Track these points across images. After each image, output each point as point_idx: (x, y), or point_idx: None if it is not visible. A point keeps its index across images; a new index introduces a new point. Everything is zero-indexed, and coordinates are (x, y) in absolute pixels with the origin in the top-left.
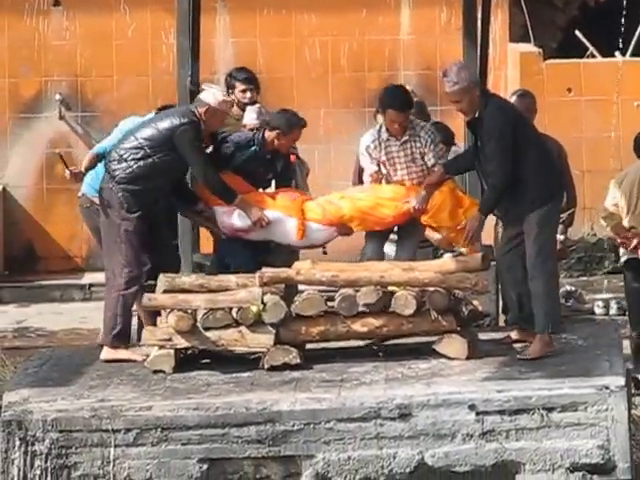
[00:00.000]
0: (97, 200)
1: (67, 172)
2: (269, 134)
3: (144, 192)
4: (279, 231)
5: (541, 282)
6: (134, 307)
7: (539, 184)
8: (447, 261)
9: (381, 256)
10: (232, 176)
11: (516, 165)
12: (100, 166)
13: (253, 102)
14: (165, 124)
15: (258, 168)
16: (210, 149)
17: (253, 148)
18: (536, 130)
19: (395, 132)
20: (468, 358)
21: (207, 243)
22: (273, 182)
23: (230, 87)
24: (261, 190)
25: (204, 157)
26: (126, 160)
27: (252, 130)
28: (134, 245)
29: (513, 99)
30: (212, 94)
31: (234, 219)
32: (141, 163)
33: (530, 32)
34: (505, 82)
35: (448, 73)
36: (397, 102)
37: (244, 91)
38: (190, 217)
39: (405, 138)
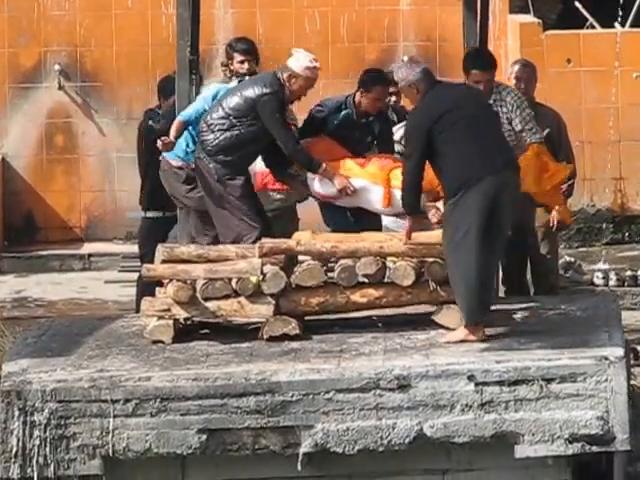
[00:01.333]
0: (174, 163)
1: (159, 142)
2: (356, 95)
3: (234, 162)
4: (366, 199)
5: (456, 273)
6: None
7: (449, 177)
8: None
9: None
10: (327, 141)
11: (436, 160)
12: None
13: (252, 73)
14: (249, 92)
15: (353, 132)
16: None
17: (345, 112)
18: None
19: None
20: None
21: None
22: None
23: (229, 57)
24: (362, 154)
25: (285, 127)
26: (213, 131)
27: None
28: (244, 209)
29: (515, 68)
30: (296, 59)
31: (321, 186)
32: (228, 134)
33: (530, 3)
34: (505, 53)
35: (394, 70)
36: (479, 62)
37: (242, 62)
38: (285, 182)
39: (490, 102)
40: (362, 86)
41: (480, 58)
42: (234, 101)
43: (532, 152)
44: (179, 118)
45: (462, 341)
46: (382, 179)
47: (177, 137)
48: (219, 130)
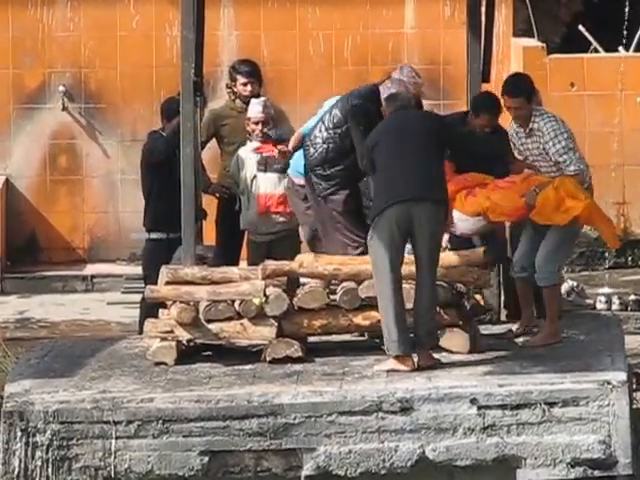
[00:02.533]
0: (296, 181)
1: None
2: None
3: (335, 175)
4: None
5: (379, 303)
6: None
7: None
8: (449, 255)
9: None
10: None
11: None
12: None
13: (255, 95)
14: (345, 104)
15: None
16: None
17: None
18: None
19: (515, 120)
20: (470, 352)
21: (210, 234)
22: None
23: (232, 79)
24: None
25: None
26: (313, 145)
27: (256, 124)
28: (347, 225)
29: None
30: (398, 73)
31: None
32: (325, 146)
33: (534, 26)
34: None
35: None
36: (505, 87)
37: (245, 84)
38: None
39: (529, 129)
40: (473, 109)
41: (507, 83)
42: (332, 113)
43: (552, 186)
44: (299, 130)
45: (391, 370)
46: (451, 198)
47: (295, 149)
48: (317, 143)
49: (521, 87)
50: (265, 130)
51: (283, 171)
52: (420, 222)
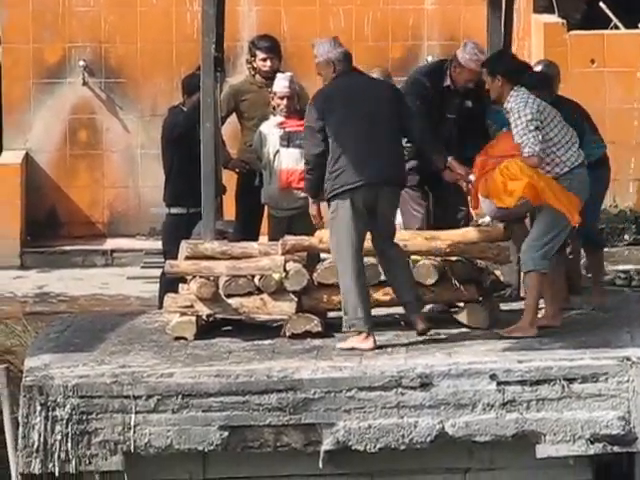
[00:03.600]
0: None
1: None
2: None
3: (418, 168)
4: None
5: (340, 282)
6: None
7: (329, 177)
8: (469, 231)
9: None
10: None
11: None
12: None
13: (274, 70)
14: (407, 80)
15: None
16: None
17: None
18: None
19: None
20: (489, 328)
21: (230, 210)
22: None
23: (252, 55)
24: None
25: (421, 115)
26: None
27: (281, 98)
28: (413, 197)
29: (538, 69)
30: (461, 49)
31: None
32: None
33: (554, 3)
34: (529, 53)
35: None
36: (485, 62)
37: (264, 60)
38: None
39: (505, 110)
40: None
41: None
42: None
43: (498, 169)
44: None
45: (353, 348)
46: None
47: None
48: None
49: (497, 64)
50: (292, 105)
51: None
52: (384, 204)
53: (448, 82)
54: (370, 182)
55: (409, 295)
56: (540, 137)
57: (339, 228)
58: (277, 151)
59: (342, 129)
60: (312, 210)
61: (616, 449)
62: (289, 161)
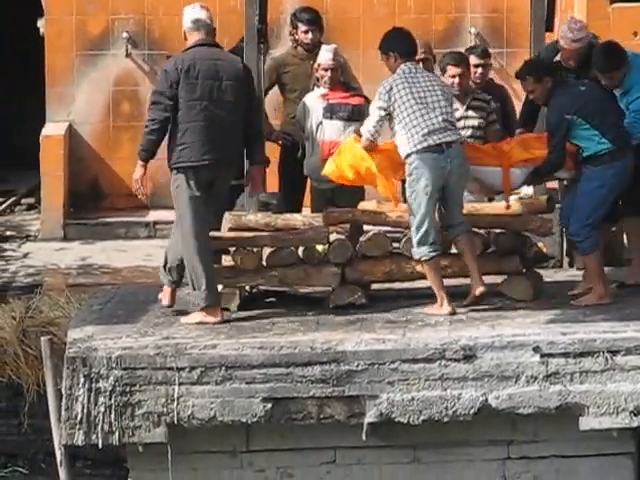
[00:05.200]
0: None
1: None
2: None
3: None
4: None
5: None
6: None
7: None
8: (512, 203)
9: None
10: None
11: None
12: None
13: (316, 43)
14: None
15: None
16: None
17: None
18: None
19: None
20: (533, 300)
21: (274, 182)
22: None
23: (294, 27)
24: None
25: None
26: None
27: (326, 70)
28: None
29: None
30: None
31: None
32: None
33: None
34: None
35: None
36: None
37: (306, 32)
38: None
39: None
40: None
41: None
42: None
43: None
44: None
45: (200, 323)
46: None
47: None
48: None
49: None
50: (336, 77)
51: (349, 119)
52: (221, 185)
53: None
54: (210, 163)
55: None
56: None
57: (181, 202)
58: (320, 123)
59: (191, 104)
60: (136, 175)
61: None
62: (332, 133)
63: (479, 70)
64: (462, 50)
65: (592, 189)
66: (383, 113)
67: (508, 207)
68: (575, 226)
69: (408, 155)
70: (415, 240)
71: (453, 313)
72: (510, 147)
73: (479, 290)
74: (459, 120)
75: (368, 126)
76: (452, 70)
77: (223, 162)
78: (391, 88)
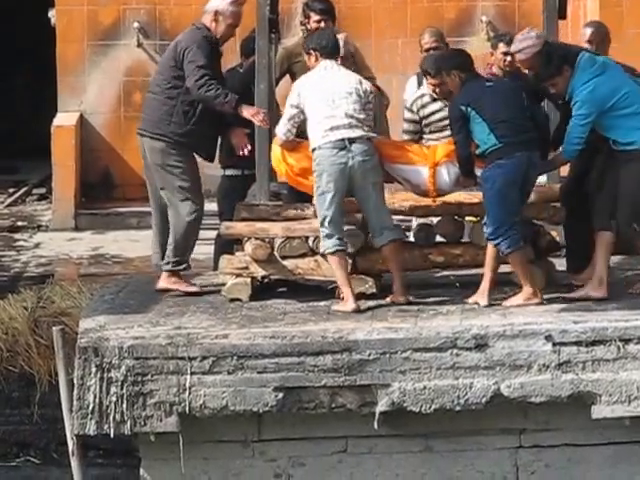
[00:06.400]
0: None
1: None
2: None
3: None
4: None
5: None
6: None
7: None
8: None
9: None
10: None
11: None
12: None
13: None
14: None
15: None
16: None
17: None
18: None
19: None
20: (545, 288)
21: None
22: None
23: (306, 16)
24: None
25: None
26: None
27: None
28: None
29: (587, 31)
30: None
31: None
32: None
33: None
34: (584, 14)
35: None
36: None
37: (318, 21)
38: None
39: None
40: None
41: None
42: None
43: None
44: None
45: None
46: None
47: None
48: None
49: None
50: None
51: None
52: (148, 156)
53: None
54: (138, 132)
55: None
56: None
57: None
58: None
59: None
60: (250, 110)
61: None
62: None
63: (508, 58)
64: (474, 38)
65: (487, 190)
66: (295, 111)
67: (434, 202)
68: (488, 229)
69: (313, 150)
70: (321, 234)
71: (358, 310)
72: (437, 145)
73: (399, 300)
74: None
75: (280, 125)
76: (504, 48)
77: (142, 132)
78: (302, 85)
